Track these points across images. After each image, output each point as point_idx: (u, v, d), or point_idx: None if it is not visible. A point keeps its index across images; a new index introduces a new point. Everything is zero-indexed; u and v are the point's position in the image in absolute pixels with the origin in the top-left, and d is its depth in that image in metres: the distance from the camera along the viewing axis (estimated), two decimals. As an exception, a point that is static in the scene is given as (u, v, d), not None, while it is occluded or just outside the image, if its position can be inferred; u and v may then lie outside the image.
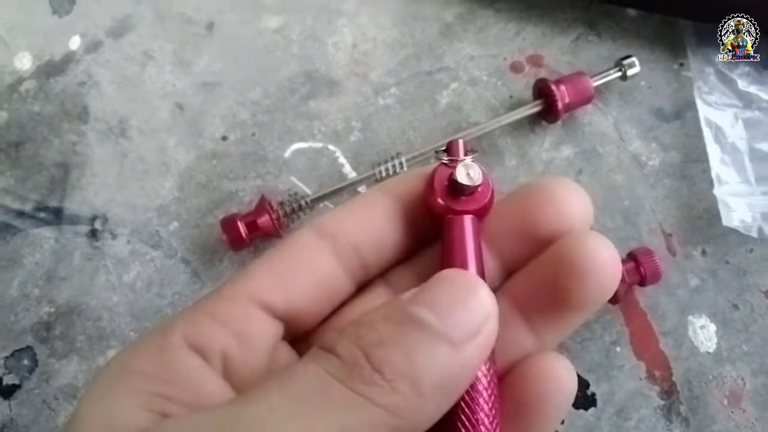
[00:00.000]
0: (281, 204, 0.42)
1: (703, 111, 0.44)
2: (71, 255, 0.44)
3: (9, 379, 0.42)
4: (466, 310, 0.19)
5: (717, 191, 0.42)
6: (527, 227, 0.23)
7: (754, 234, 0.41)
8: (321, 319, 0.24)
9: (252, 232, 0.41)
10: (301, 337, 0.24)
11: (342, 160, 0.45)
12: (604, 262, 0.21)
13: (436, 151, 0.25)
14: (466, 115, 0.46)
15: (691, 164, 0.44)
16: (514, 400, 0.22)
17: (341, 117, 0.46)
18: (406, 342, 0.18)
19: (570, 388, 0.22)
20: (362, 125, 0.46)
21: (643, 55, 0.46)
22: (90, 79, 0.48)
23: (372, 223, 0.24)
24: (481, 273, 0.22)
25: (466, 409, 0.20)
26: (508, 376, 0.22)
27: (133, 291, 0.43)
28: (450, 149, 0.24)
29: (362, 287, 0.24)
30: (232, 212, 0.43)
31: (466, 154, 0.24)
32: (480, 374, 0.20)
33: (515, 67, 0.47)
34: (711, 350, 0.41)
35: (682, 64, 0.46)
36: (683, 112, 0.45)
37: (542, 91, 0.43)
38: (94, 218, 0.45)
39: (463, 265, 0.22)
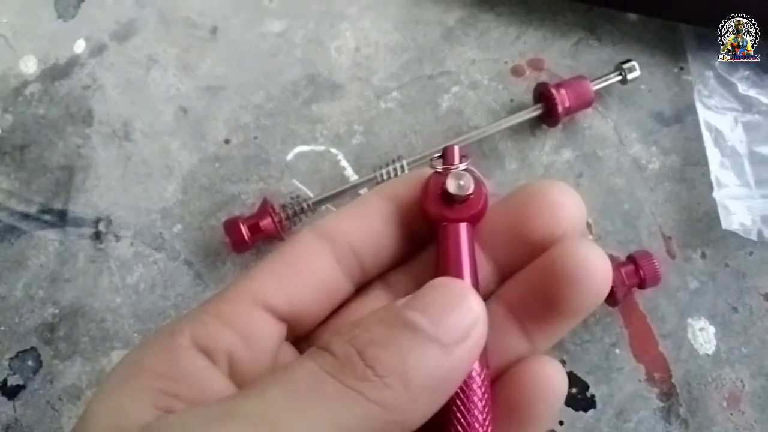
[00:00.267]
0: (283, 207, 0.42)
1: (703, 114, 0.44)
2: (75, 257, 0.45)
3: (13, 380, 0.43)
4: (456, 315, 0.20)
5: (716, 194, 0.42)
6: (521, 231, 0.24)
7: (754, 237, 0.41)
8: (321, 320, 0.24)
9: (254, 234, 0.41)
10: (302, 337, 0.25)
11: (344, 163, 0.46)
12: (595, 271, 0.22)
13: (431, 159, 0.25)
14: (467, 118, 0.46)
15: (690, 167, 0.44)
16: (508, 402, 0.23)
17: (343, 120, 0.46)
18: (398, 342, 0.19)
19: (561, 390, 0.23)
20: (364, 128, 0.46)
21: (644, 59, 0.46)
22: (94, 83, 0.48)
23: (370, 227, 0.24)
24: (475, 278, 0.23)
25: (462, 407, 0.21)
26: (501, 378, 0.23)
27: (137, 293, 0.44)
28: (445, 156, 0.25)
29: (361, 288, 0.25)
30: (235, 215, 0.43)
31: (460, 161, 0.24)
32: (474, 374, 0.21)
33: (516, 71, 0.47)
34: (710, 352, 0.41)
35: (682, 68, 0.46)
36: (683, 116, 0.45)
37: (543, 94, 0.44)
38: (98, 220, 0.45)
39: (457, 272, 0.23)
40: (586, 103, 0.44)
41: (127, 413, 0.20)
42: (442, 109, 0.46)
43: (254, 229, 0.41)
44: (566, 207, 0.23)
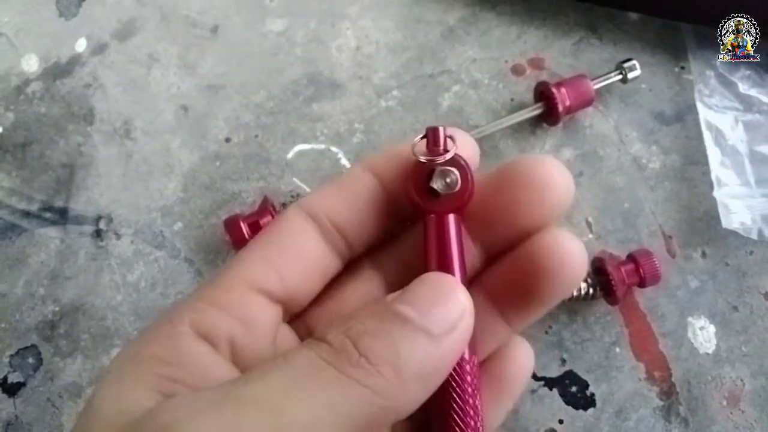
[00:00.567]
0: (284, 205, 0.42)
1: (704, 114, 0.44)
2: (76, 255, 0.45)
3: (14, 377, 0.43)
4: (444, 308, 0.21)
5: (717, 193, 0.42)
6: (509, 216, 0.24)
7: (754, 236, 0.41)
8: (314, 296, 0.25)
9: (255, 232, 0.41)
10: (297, 315, 0.26)
11: (344, 161, 0.46)
12: (573, 264, 0.24)
13: (414, 144, 0.24)
14: (467, 117, 0.46)
15: (691, 167, 0.44)
16: (487, 380, 0.26)
17: (344, 119, 0.46)
18: (390, 333, 0.20)
19: (528, 368, 0.27)
20: (365, 127, 0.46)
21: (644, 58, 0.46)
22: (96, 81, 0.48)
23: (353, 205, 0.25)
24: (462, 267, 0.24)
25: (457, 388, 0.23)
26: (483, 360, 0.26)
27: (137, 290, 0.44)
28: (429, 138, 0.24)
29: (351, 265, 0.26)
30: (235, 213, 0.43)
31: (445, 144, 0.24)
32: (463, 362, 0.23)
33: (517, 70, 0.47)
34: (710, 351, 0.41)
35: (683, 67, 0.46)
36: (684, 115, 0.45)
37: (543, 93, 0.44)
38: (98, 218, 0.45)
39: (445, 264, 0.23)
40: (586, 102, 0.44)
41: (131, 399, 0.20)
42: (442, 108, 0.46)
43: (254, 227, 0.41)
44: (554, 189, 0.24)
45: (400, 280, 0.24)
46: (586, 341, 0.41)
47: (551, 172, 0.24)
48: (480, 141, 0.44)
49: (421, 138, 0.24)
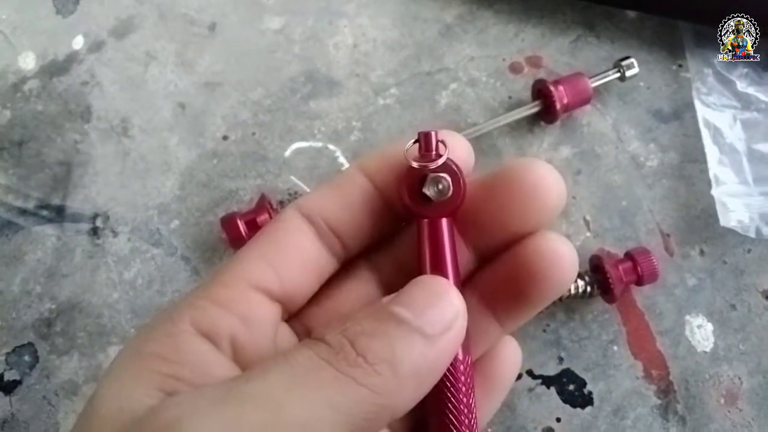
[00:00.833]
0: (281, 203, 0.42)
1: (702, 112, 0.44)
2: (73, 252, 0.45)
3: (10, 375, 0.43)
4: (439, 310, 0.21)
5: (715, 191, 0.42)
6: (501, 220, 0.25)
7: (752, 234, 0.41)
8: (311, 296, 0.26)
9: (252, 230, 0.41)
10: (295, 315, 0.26)
11: (342, 159, 0.45)
12: (564, 267, 0.24)
13: (406, 148, 0.24)
14: (465, 115, 0.46)
15: (689, 165, 0.44)
16: (478, 377, 0.26)
17: (341, 117, 0.46)
18: (386, 333, 0.21)
19: (517, 366, 0.28)
20: (362, 125, 0.46)
21: (642, 56, 0.46)
22: (93, 79, 0.48)
23: (348, 207, 0.25)
24: (456, 270, 0.24)
25: (448, 392, 0.23)
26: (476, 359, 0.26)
27: (134, 288, 0.44)
28: (420, 143, 0.24)
29: (348, 265, 0.27)
30: (233, 211, 0.43)
31: (437, 148, 0.24)
32: (460, 356, 0.23)
33: (514, 68, 0.47)
34: (708, 350, 0.41)
35: (680, 66, 0.46)
36: (681, 113, 0.45)
37: (541, 91, 0.44)
38: (95, 216, 0.45)
39: (438, 267, 0.24)
40: (584, 100, 0.43)
41: (132, 397, 0.20)
42: (440, 106, 0.46)
43: (251, 225, 0.41)
44: (546, 193, 0.24)
45: (396, 279, 0.25)
46: (583, 339, 0.41)
47: (543, 176, 0.24)
48: (477, 139, 0.44)
49: (413, 143, 0.24)
